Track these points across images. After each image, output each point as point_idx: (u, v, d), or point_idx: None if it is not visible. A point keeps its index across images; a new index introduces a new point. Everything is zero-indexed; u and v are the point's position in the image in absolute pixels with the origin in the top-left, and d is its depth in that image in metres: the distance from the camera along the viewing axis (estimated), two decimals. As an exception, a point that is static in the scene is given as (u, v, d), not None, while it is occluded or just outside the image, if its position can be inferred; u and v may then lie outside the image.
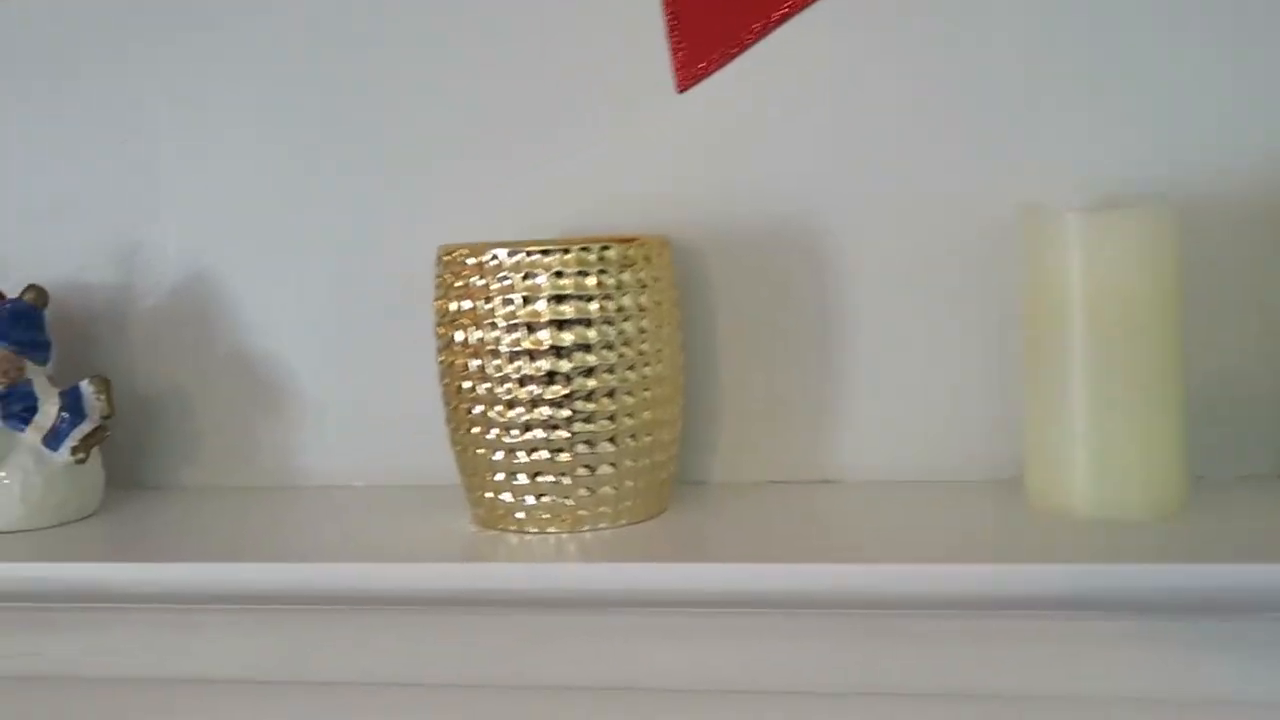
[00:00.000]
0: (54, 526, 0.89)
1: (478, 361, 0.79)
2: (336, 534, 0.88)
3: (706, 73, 0.89)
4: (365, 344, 0.96)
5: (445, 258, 0.81)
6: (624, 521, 0.81)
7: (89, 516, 0.91)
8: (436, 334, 0.83)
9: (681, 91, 0.90)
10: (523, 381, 0.78)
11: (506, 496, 0.80)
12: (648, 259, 0.80)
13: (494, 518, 0.81)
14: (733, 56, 0.89)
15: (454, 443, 0.83)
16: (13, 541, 0.87)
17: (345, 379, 0.97)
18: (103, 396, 0.89)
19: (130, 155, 0.98)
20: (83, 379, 0.90)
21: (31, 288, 0.91)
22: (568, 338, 0.78)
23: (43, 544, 0.86)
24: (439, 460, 0.89)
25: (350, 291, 0.96)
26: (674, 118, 0.90)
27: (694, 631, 0.75)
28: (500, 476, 0.80)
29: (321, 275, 0.96)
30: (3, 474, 0.87)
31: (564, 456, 0.78)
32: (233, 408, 0.99)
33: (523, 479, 0.79)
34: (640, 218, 0.89)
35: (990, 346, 0.86)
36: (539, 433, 0.78)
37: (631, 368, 0.79)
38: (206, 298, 0.98)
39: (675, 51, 0.89)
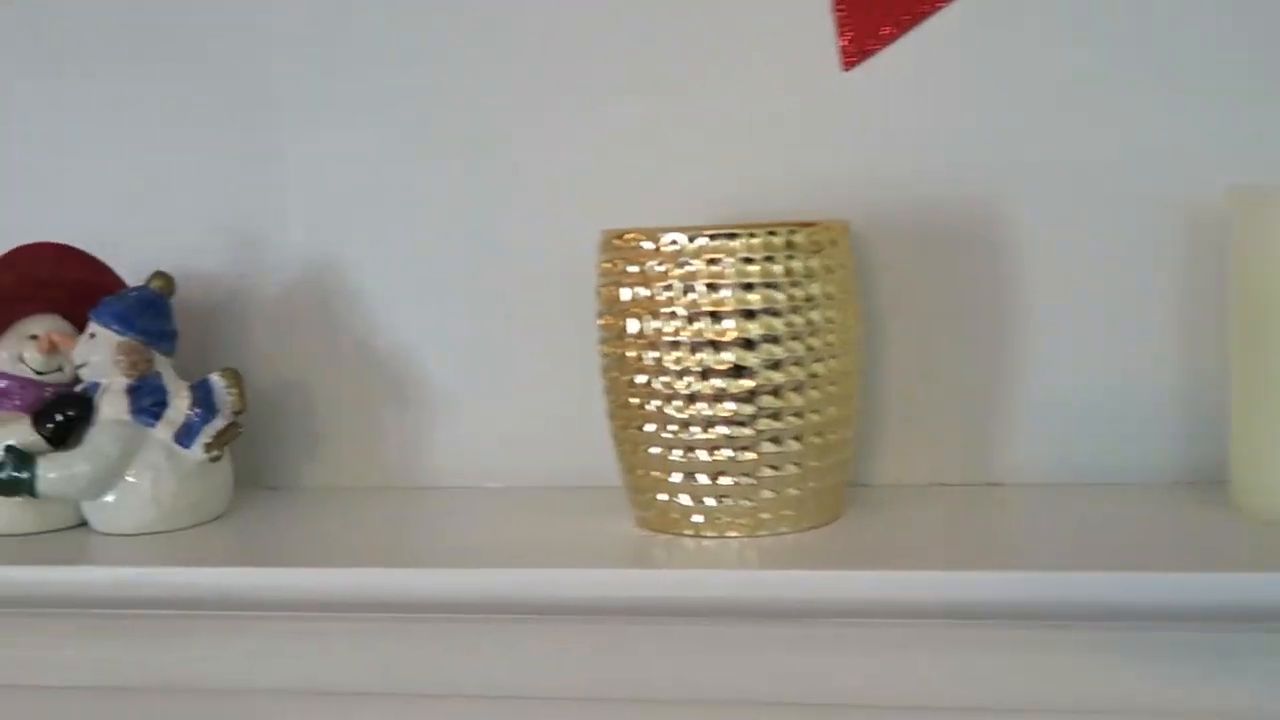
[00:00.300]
0: (185, 529, 0.83)
1: (654, 353, 0.74)
2: (484, 538, 0.82)
3: (874, 49, 0.84)
4: (500, 336, 0.91)
5: (615, 241, 0.76)
6: (806, 525, 0.76)
7: (218, 519, 0.86)
8: (600, 324, 0.78)
9: (847, 69, 0.85)
10: (705, 374, 0.73)
11: (684, 498, 0.75)
12: (834, 244, 0.75)
13: (667, 521, 0.76)
14: (903, 32, 0.83)
15: (620, 440, 0.78)
16: (145, 544, 0.81)
17: (478, 373, 0.92)
18: (234, 390, 0.84)
19: (254, 139, 0.93)
20: (210, 372, 0.85)
21: (159, 274, 0.85)
22: (755, 328, 0.72)
23: (180, 547, 0.81)
24: (584, 459, 0.86)
25: (484, 281, 0.91)
26: (837, 96, 0.85)
27: (882, 643, 0.70)
28: (677, 477, 0.75)
29: (454, 265, 0.91)
30: (131, 474, 0.82)
31: (748, 455, 0.73)
32: (358, 403, 0.94)
33: (703, 479, 0.74)
34: (797, 201, 0.84)
35: (1185, 340, 0.81)
36: (722, 429, 0.73)
37: (820, 360, 0.74)
38: (331, 287, 0.93)
39: (842, 28, 0.84)
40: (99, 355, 0.83)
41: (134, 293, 0.84)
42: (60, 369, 0.85)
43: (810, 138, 0.86)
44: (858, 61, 0.84)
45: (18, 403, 0.84)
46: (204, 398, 0.84)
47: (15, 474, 0.80)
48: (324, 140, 0.92)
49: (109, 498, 0.82)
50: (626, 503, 0.80)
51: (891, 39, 0.84)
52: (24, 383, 0.85)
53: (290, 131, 0.93)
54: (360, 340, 0.93)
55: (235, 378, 0.84)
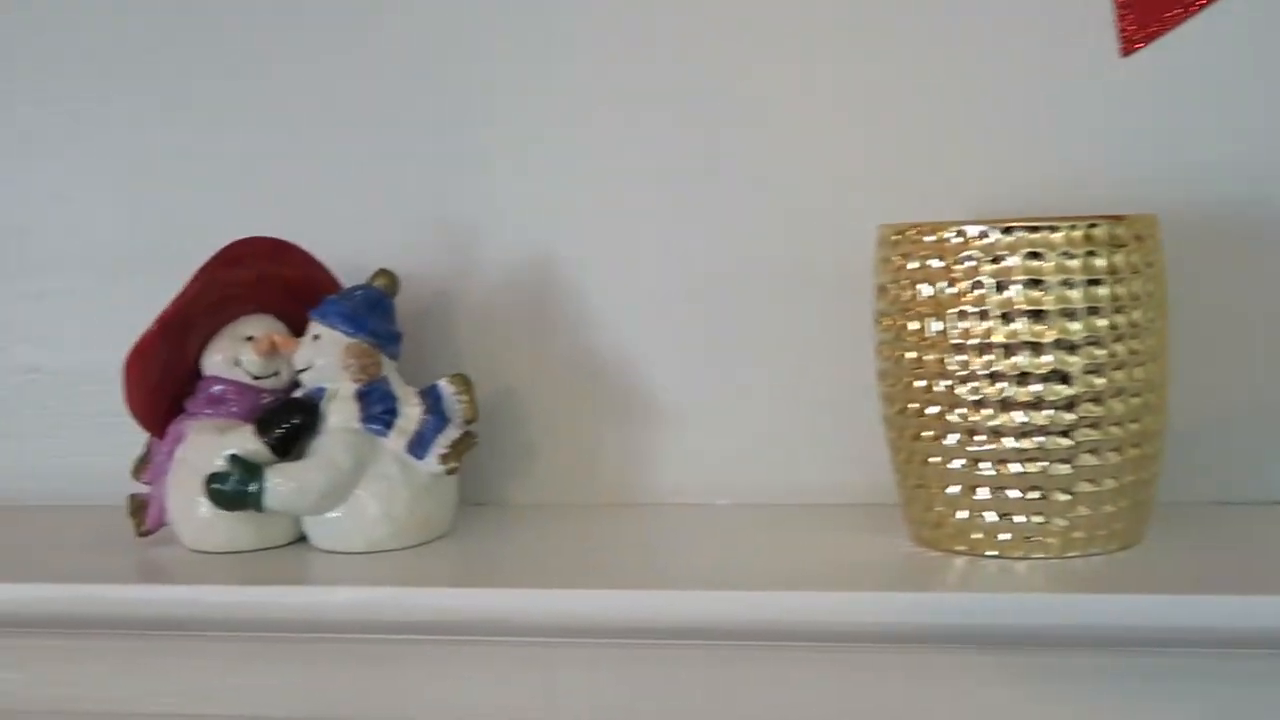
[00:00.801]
0: (413, 548, 0.77)
1: (961, 357, 0.67)
2: (738, 557, 0.76)
3: (1157, 34, 0.78)
4: (731, 341, 0.85)
5: (908, 235, 0.70)
6: (1116, 546, 0.70)
7: (442, 537, 0.79)
8: (884, 325, 0.71)
9: (1125, 55, 0.78)
10: (1022, 379, 0.66)
11: (989, 515, 0.68)
12: (1151, 237, 0.69)
13: (966, 540, 0.70)
14: (1189, 15, 0.77)
15: (905, 451, 0.71)
16: (379, 563, 0.75)
17: (706, 381, 0.86)
18: (465, 398, 0.78)
19: (463, 130, 0.88)
20: (414, 377, 0.79)
21: (382, 272, 0.79)
22: (1077, 329, 0.66)
23: (420, 567, 0.74)
24: (826, 474, 0.82)
25: (714, 282, 0.85)
26: (1111, 84, 0.79)
27: (1208, 674, 0.64)
28: (983, 492, 0.68)
29: (681, 264, 0.85)
30: (361, 487, 0.75)
31: (1064, 469, 0.67)
32: (574, 414, 0.88)
33: (1014, 494, 0.68)
34: (1075, 194, 0.77)
35: None
36: (1039, 439, 0.67)
37: (1141, 364, 0.68)
38: (546, 289, 0.87)
39: (1122, 11, 0.78)
40: (325, 358, 0.76)
41: (359, 291, 0.78)
42: (277, 373, 0.79)
43: (1082, 128, 0.80)
44: (1138, 47, 0.78)
45: (234, 409, 0.78)
46: (435, 405, 0.77)
47: (242, 486, 0.74)
48: (539, 132, 0.86)
49: (336, 512, 0.75)
50: (885, 519, 0.75)
51: (1177, 22, 0.77)
52: (240, 388, 0.78)
53: (502, 123, 0.87)
54: (577, 345, 0.87)
55: (465, 384, 0.78)
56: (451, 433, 0.76)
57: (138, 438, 0.82)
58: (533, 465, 0.88)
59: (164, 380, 0.78)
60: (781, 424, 0.84)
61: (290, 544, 0.78)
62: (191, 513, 0.76)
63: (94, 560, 0.78)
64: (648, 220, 0.85)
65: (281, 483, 0.74)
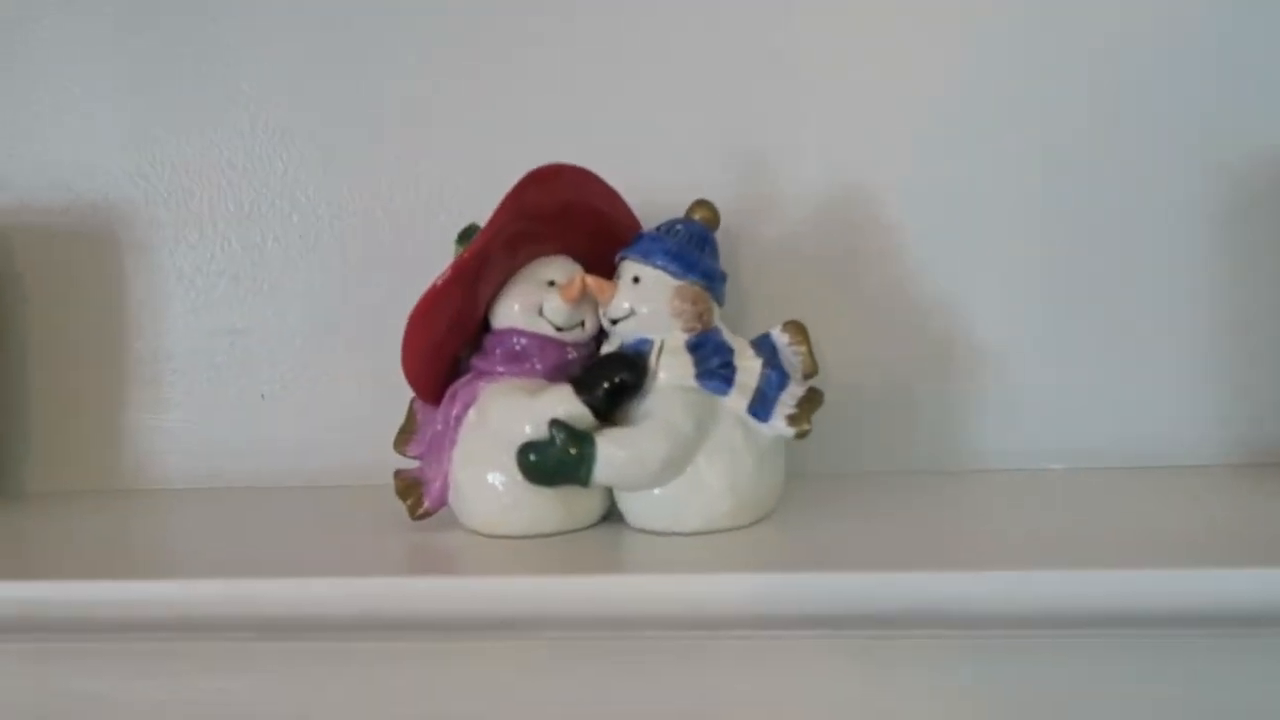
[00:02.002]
0: (748, 526, 0.65)
1: None
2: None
3: None
4: (1069, 282, 0.75)
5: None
6: None
7: (771, 514, 0.67)
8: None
9: None
10: None
11: None
12: None
13: None
14: None
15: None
16: (724, 544, 0.63)
17: (1040, 328, 0.75)
18: (803, 348, 0.66)
19: (761, 54, 0.76)
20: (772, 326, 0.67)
21: (702, 204, 0.68)
22: None
23: (777, 548, 0.63)
24: (1176, 435, 0.73)
25: (1051, 216, 0.75)
26: None
27: None
28: None
29: (1011, 195, 0.75)
30: (701, 455, 0.63)
31: None
32: (882, 372, 0.77)
33: None
34: None
35: None
36: None
37: None
38: (851, 230, 0.76)
39: None
40: (649, 304, 0.65)
41: (682, 226, 0.66)
42: (581, 323, 0.67)
43: None
44: None
45: (537, 366, 0.66)
46: (770, 358, 0.65)
47: (567, 456, 0.62)
48: (850, 63, 0.75)
49: (662, 487, 0.64)
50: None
51: None
52: (543, 341, 0.66)
53: (807, 42, 0.76)
54: (887, 295, 0.76)
55: (802, 332, 0.66)
56: (795, 390, 0.65)
57: (358, 406, 0.71)
58: (835, 428, 0.77)
59: (448, 338, 0.66)
60: (1125, 378, 0.74)
61: (594, 525, 0.66)
62: (488, 489, 0.64)
63: (371, 548, 0.66)
64: (971, 149, 0.75)
65: (615, 451, 0.62)
